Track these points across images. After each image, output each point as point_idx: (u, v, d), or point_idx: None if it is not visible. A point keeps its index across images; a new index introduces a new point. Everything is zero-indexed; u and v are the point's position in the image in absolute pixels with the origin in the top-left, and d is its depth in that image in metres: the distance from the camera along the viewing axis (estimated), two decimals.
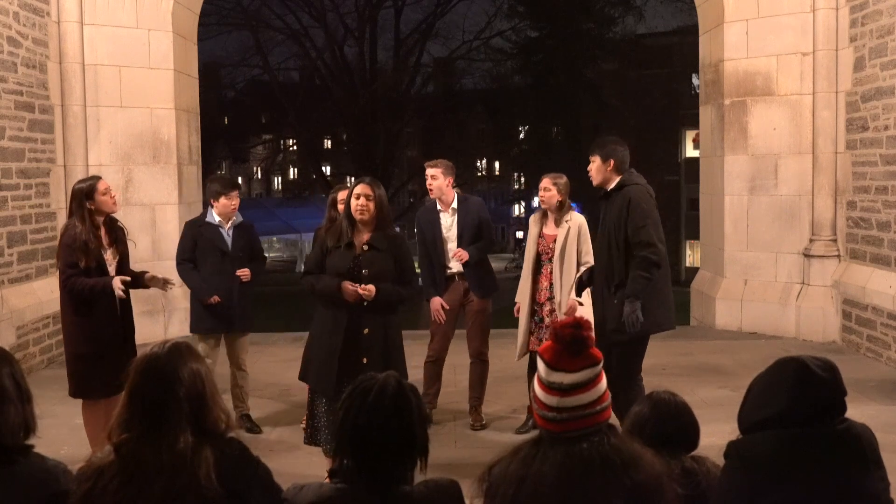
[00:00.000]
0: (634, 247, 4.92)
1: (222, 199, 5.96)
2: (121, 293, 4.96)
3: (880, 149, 8.09)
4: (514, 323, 6.12)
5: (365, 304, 4.55)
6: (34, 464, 2.34)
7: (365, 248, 4.63)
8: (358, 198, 4.61)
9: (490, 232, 6.31)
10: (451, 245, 6.09)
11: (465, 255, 5.99)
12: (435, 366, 6.18)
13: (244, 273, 5.95)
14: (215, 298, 5.84)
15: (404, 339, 4.89)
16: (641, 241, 4.89)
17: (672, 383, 6.14)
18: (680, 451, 2.79)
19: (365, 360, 4.55)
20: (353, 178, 31.20)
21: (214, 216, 6.00)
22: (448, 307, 6.07)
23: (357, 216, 4.61)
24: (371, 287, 4.53)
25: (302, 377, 4.86)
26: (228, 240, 6.00)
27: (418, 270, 5.60)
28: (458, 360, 6.47)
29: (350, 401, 2.25)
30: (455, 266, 6.09)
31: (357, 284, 4.54)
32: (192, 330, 6.11)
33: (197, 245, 5.96)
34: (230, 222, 6.02)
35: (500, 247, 50.27)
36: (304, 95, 31.24)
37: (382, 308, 4.62)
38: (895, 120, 7.84)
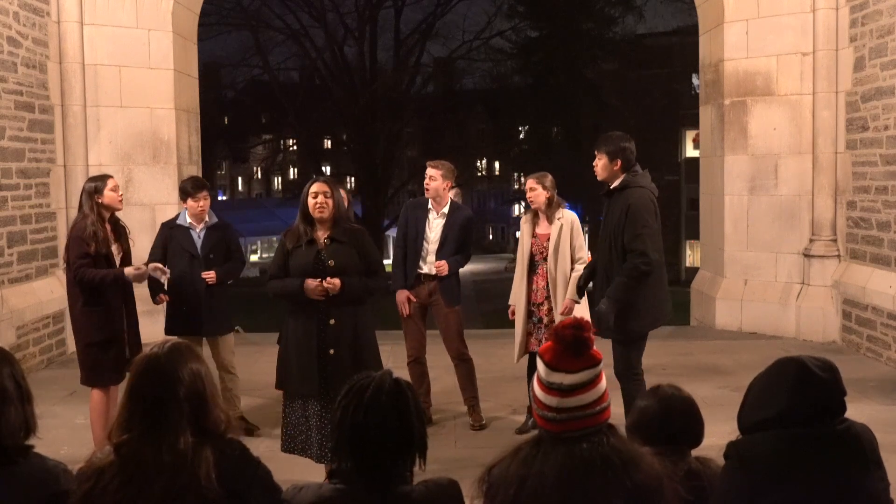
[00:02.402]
0: (628, 253, 4.95)
1: (189, 201, 5.88)
2: (136, 273, 5.13)
3: (880, 149, 8.09)
4: (511, 323, 6.10)
5: (329, 295, 4.53)
6: (34, 464, 2.34)
7: (327, 242, 4.64)
8: (315, 196, 4.61)
9: (469, 247, 6.28)
10: (432, 247, 6.06)
11: (444, 269, 5.98)
12: (417, 364, 6.16)
13: (208, 276, 5.81)
14: (161, 297, 5.74)
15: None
16: (635, 250, 4.92)
17: (672, 383, 6.13)
18: (684, 447, 2.79)
19: (332, 352, 4.56)
20: (353, 178, 31.39)
21: (186, 218, 5.93)
22: (414, 300, 6.06)
23: (316, 214, 4.61)
24: (336, 281, 4.52)
25: (279, 385, 4.79)
26: (198, 242, 5.90)
27: (388, 262, 5.57)
28: (452, 361, 6.46)
29: (346, 400, 2.24)
30: (426, 268, 6.07)
31: (320, 280, 4.53)
32: (166, 332, 5.92)
33: (168, 247, 5.89)
34: (202, 224, 5.93)
35: (500, 247, 50.37)
36: (304, 95, 31.26)
37: (350, 300, 4.62)
38: (895, 120, 7.84)
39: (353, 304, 4.66)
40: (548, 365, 2.23)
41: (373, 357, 4.71)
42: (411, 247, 6.08)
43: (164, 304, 5.88)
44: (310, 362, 4.57)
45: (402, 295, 6.06)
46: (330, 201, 4.62)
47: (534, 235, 5.90)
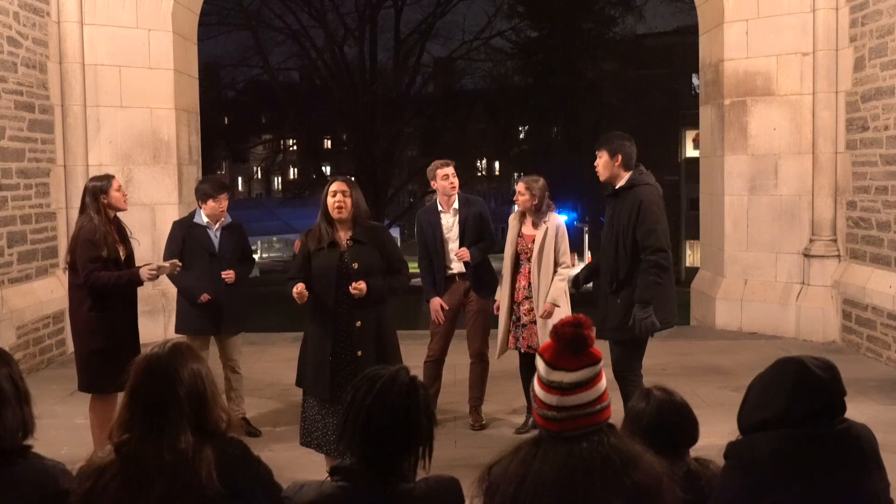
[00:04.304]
0: (644, 250, 4.90)
1: (210, 202, 5.91)
2: (151, 274, 5.06)
3: (880, 149, 8.09)
4: None
5: (355, 298, 4.54)
6: (32, 464, 2.34)
7: (349, 243, 4.63)
8: (335, 195, 4.61)
9: (492, 232, 6.31)
10: (453, 245, 6.09)
11: (466, 255, 5.99)
12: (435, 365, 6.17)
13: (228, 275, 5.87)
14: (205, 297, 5.79)
15: (404, 339, 4.91)
16: (651, 246, 4.88)
17: (672, 383, 6.11)
18: (682, 448, 2.79)
19: (360, 353, 4.57)
20: (352, 178, 31.39)
21: (203, 217, 5.95)
22: (447, 307, 6.08)
23: (335, 214, 4.60)
24: (362, 285, 4.52)
25: (298, 383, 4.83)
26: (216, 241, 5.95)
27: (412, 264, 5.61)
28: (458, 360, 6.47)
29: (359, 385, 2.27)
30: (456, 266, 6.09)
31: (333, 298, 4.53)
32: (177, 331, 5.99)
33: (185, 246, 5.90)
34: (218, 223, 5.98)
35: (500, 247, 50.31)
36: (304, 95, 31.25)
37: (374, 301, 4.63)
38: (895, 120, 7.84)
39: (376, 305, 4.66)
40: (548, 363, 2.23)
41: (396, 355, 4.72)
42: (434, 253, 6.10)
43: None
44: (324, 368, 4.58)
45: (435, 303, 6.07)
46: (348, 200, 4.61)
47: (520, 235, 5.94)
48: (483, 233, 6.17)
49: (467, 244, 6.06)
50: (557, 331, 2.23)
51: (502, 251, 6.13)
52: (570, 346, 2.21)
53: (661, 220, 4.94)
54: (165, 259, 5.98)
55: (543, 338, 5.57)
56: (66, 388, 6.92)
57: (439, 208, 6.17)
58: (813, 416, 2.48)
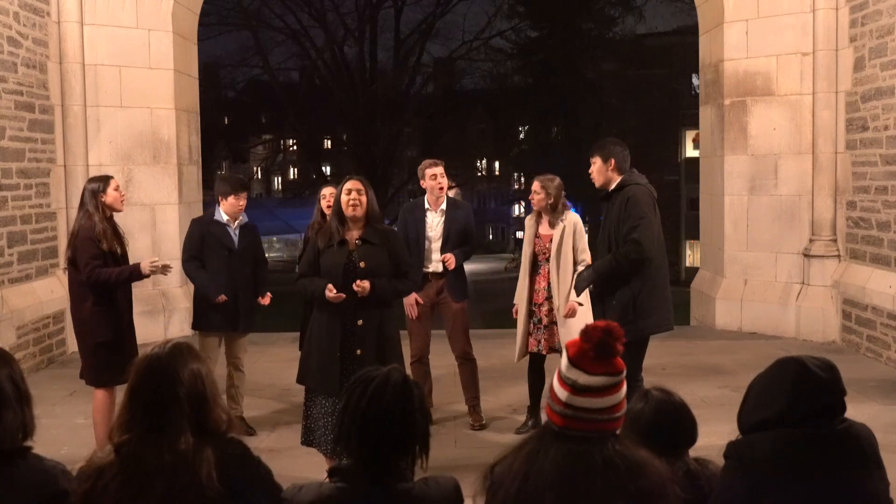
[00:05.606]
0: (624, 241, 4.96)
1: (231, 199, 5.97)
2: (154, 268, 5.22)
3: (880, 149, 8.09)
4: (513, 323, 6.11)
5: (358, 297, 4.55)
6: (32, 465, 2.34)
7: (358, 242, 4.64)
8: (349, 193, 4.62)
9: (474, 239, 6.33)
10: (435, 245, 6.10)
11: (452, 261, 6.00)
12: (420, 365, 6.19)
13: (265, 300, 6.08)
14: (222, 298, 5.84)
15: (405, 339, 4.92)
16: (632, 238, 4.95)
17: (672, 383, 6.10)
18: (681, 448, 2.79)
19: (359, 352, 4.58)
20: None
21: (222, 215, 6.01)
22: (422, 302, 6.09)
23: (349, 211, 4.61)
24: (366, 284, 4.52)
25: (300, 380, 4.83)
26: (235, 239, 6.01)
27: None
28: (455, 360, 6.46)
29: (353, 388, 2.27)
30: (432, 266, 6.10)
31: (339, 295, 4.53)
32: (193, 327, 6.11)
33: (204, 243, 5.97)
34: (237, 222, 6.04)
35: (500, 247, 50.41)
36: (304, 95, 31.28)
37: (378, 301, 4.63)
38: (895, 120, 7.84)
39: (380, 305, 4.66)
40: (569, 359, 2.23)
41: (397, 358, 4.71)
42: (414, 248, 6.08)
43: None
44: (332, 364, 4.58)
45: (409, 298, 6.06)
46: (363, 198, 4.62)
47: (536, 236, 5.91)
48: (466, 238, 6.18)
49: (450, 247, 6.07)
50: (588, 331, 2.23)
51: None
52: (593, 348, 2.20)
53: (646, 215, 4.98)
54: (183, 257, 6.10)
55: (565, 337, 5.55)
56: (66, 388, 6.92)
57: (426, 206, 6.17)
58: (813, 416, 2.48)
